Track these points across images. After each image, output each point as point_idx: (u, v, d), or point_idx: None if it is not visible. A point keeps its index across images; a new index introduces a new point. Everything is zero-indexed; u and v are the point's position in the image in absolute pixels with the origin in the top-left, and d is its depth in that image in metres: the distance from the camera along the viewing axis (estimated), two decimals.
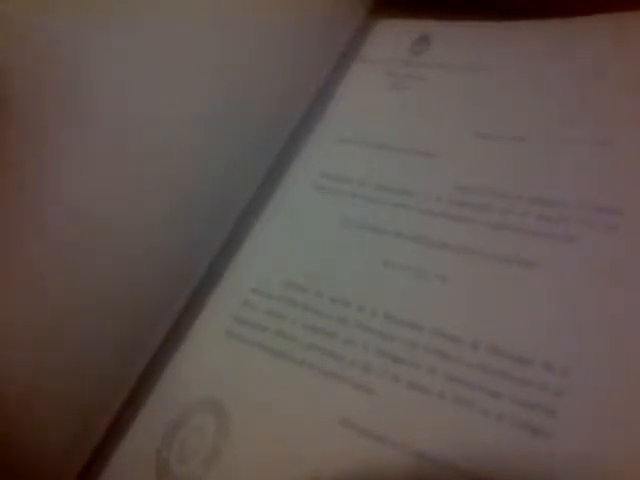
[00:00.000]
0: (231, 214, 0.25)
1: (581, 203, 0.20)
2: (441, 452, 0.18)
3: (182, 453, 0.21)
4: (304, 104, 0.27)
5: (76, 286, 0.21)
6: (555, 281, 0.20)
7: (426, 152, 0.24)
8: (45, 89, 0.21)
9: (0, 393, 0.20)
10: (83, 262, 0.21)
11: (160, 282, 0.23)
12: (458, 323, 0.20)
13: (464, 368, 0.19)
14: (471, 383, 0.19)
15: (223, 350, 0.23)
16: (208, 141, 0.24)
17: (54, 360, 0.21)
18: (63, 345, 0.21)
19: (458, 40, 0.27)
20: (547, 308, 0.19)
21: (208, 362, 0.23)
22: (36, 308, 0.20)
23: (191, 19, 0.24)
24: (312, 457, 0.20)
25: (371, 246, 0.23)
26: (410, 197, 0.24)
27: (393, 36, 0.29)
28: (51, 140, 0.21)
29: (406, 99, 0.27)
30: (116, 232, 0.22)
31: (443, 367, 0.19)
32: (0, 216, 0.20)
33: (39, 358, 0.20)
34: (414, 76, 0.27)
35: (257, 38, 0.25)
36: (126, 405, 0.23)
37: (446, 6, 0.28)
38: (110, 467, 0.22)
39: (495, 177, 0.22)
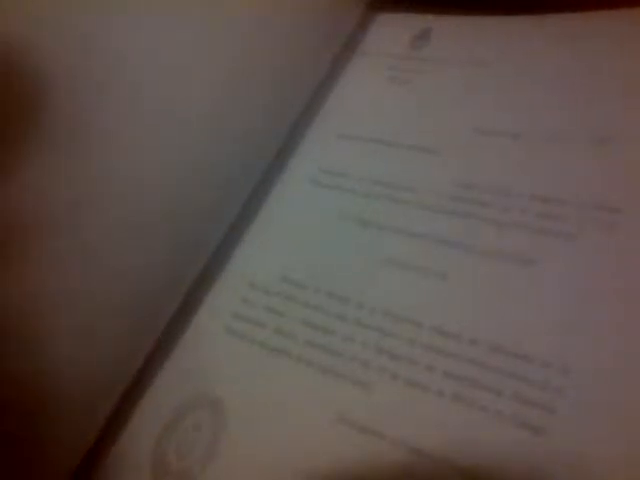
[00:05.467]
0: (230, 210, 0.25)
1: (581, 201, 0.20)
2: (439, 449, 0.18)
3: (179, 450, 0.21)
4: (303, 99, 0.27)
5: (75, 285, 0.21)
6: (554, 279, 0.20)
7: (426, 148, 0.24)
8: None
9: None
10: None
11: (158, 278, 0.23)
12: (457, 320, 0.20)
13: (463, 365, 0.19)
14: (470, 380, 0.19)
15: (221, 347, 0.23)
16: (206, 137, 0.24)
17: (53, 353, 0.21)
18: (60, 342, 0.21)
19: (458, 35, 0.27)
20: (546, 306, 0.19)
21: (206, 358, 0.23)
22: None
23: (189, 15, 0.24)
24: (310, 454, 0.19)
25: (370, 242, 0.23)
26: (409, 193, 0.23)
27: (393, 30, 0.29)
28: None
29: (406, 94, 0.26)
30: (117, 229, 0.22)
31: (442, 364, 0.19)
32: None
33: (38, 352, 0.20)
34: (414, 71, 0.27)
35: (256, 33, 0.25)
36: (123, 402, 0.23)
37: (447, 1, 0.27)
38: (107, 464, 0.22)
39: (495, 174, 0.22)
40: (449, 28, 0.27)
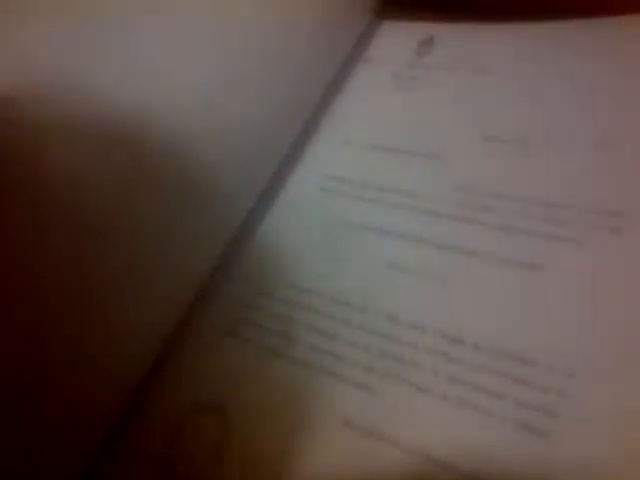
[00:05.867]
0: (236, 215, 0.25)
1: (585, 206, 0.21)
2: (443, 453, 0.18)
3: (183, 455, 0.21)
4: (310, 106, 0.27)
5: None
6: (559, 284, 0.20)
7: (430, 154, 0.24)
8: None
9: None
10: None
11: (165, 281, 0.23)
12: (461, 325, 0.20)
13: (467, 369, 0.19)
14: (474, 384, 0.19)
15: (226, 351, 0.23)
16: (212, 143, 0.24)
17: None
18: None
19: (462, 42, 0.27)
20: (551, 310, 0.19)
21: (210, 363, 0.23)
22: None
23: (192, 23, 0.24)
24: (314, 458, 0.20)
25: (375, 248, 0.23)
26: (414, 199, 0.24)
27: (398, 38, 0.29)
28: None
29: (411, 101, 0.27)
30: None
31: (446, 368, 0.19)
32: None
33: None
34: (419, 78, 0.27)
35: (262, 40, 0.25)
36: (127, 408, 0.23)
37: (451, 8, 0.28)
38: (113, 466, 0.22)
39: (499, 179, 0.22)
40: (453, 35, 0.28)
